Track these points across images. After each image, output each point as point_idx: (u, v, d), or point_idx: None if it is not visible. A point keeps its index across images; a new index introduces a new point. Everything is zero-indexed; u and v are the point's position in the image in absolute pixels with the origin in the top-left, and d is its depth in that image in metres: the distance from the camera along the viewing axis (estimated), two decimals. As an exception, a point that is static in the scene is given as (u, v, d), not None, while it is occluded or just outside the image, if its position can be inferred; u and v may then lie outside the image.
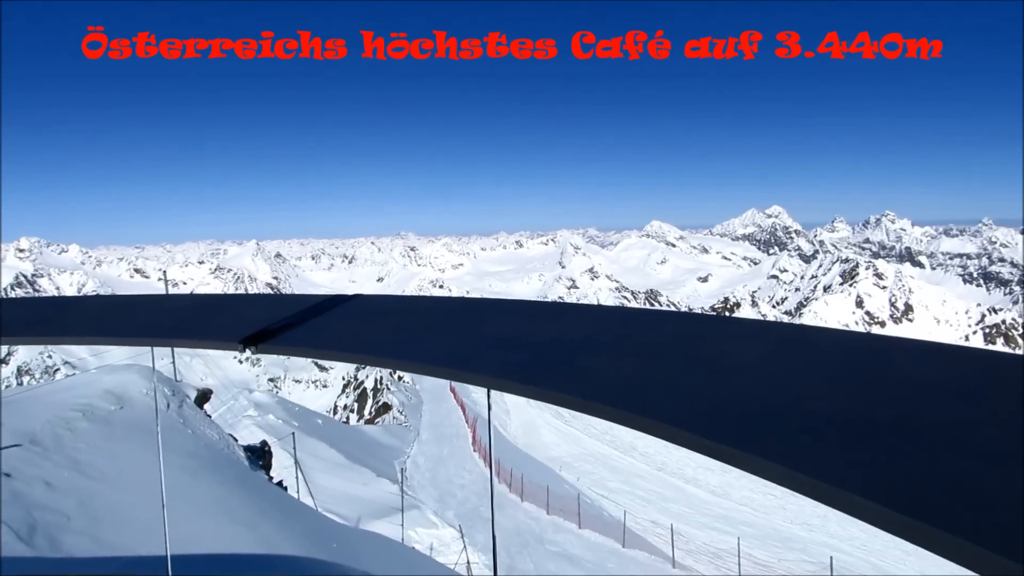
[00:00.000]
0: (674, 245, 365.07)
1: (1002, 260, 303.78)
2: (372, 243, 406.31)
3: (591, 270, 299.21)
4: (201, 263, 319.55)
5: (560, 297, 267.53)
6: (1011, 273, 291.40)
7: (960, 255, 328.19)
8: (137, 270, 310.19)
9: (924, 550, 0.93)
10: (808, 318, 61.41)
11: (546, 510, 25.01)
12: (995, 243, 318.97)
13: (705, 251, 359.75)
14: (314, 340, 2.06)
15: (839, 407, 1.28)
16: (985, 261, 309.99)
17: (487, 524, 23.03)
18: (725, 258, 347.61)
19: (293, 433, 25.59)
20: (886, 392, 1.36)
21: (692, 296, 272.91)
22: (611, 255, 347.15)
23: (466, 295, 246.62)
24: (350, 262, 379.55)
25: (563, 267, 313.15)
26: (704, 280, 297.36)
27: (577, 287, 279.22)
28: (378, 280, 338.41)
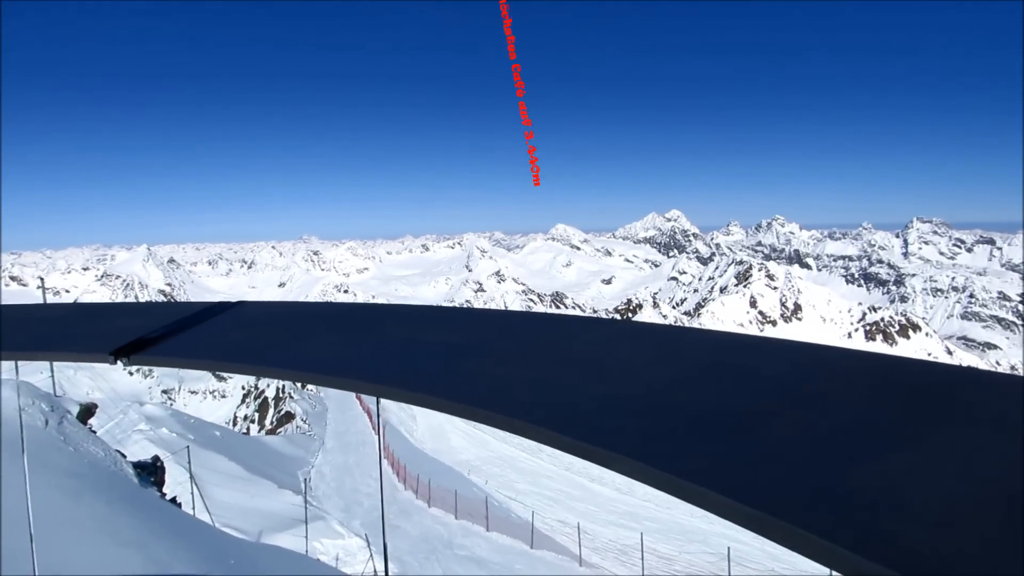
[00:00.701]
0: (579, 248, 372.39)
1: (880, 262, 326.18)
2: (273, 247, 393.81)
3: (498, 273, 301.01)
4: (86, 269, 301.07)
5: (467, 300, 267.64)
6: (888, 274, 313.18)
7: (843, 257, 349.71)
8: (13, 278, 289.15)
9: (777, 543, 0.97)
10: (706, 318, 63.93)
11: (454, 515, 24.91)
12: (874, 246, 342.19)
13: (608, 254, 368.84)
14: (193, 350, 1.98)
15: (701, 405, 1.32)
16: (865, 263, 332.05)
17: (394, 532, 22.78)
18: (628, 260, 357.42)
19: (188, 447, 24.46)
20: (746, 389, 1.40)
21: (597, 298, 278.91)
22: (517, 258, 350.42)
23: (372, 300, 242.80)
24: (250, 267, 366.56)
25: (470, 270, 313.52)
26: (608, 282, 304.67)
27: (484, 290, 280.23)
28: (280, 285, 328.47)
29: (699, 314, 66.50)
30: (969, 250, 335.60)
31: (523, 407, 1.39)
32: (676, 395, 1.39)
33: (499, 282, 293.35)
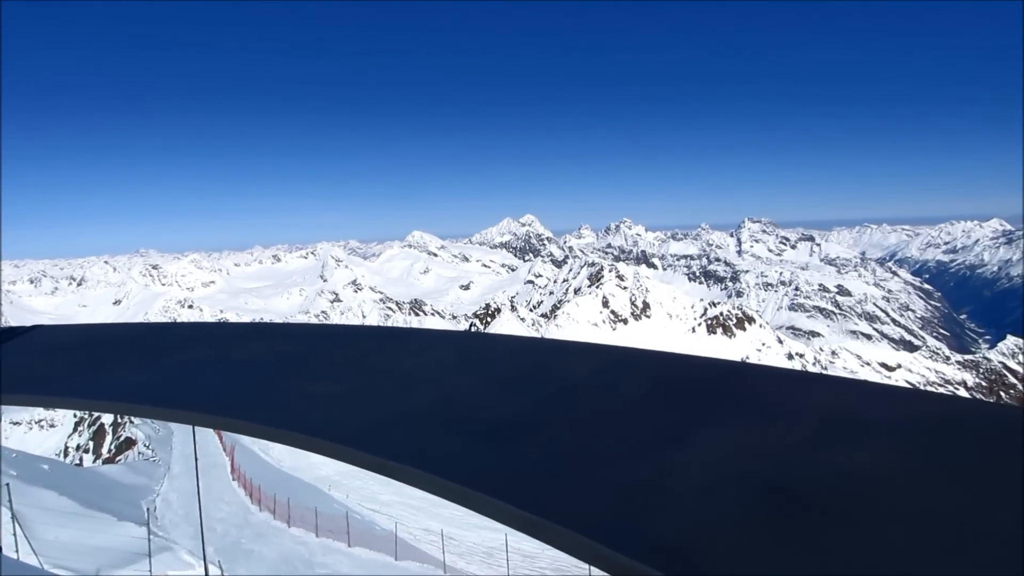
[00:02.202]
0: (436, 255, 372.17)
1: (718, 260, 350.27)
2: (106, 262, 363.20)
3: (354, 282, 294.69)
4: None
5: (323, 311, 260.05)
6: (725, 271, 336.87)
7: (685, 256, 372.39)
8: None
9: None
10: (563, 320, 65.97)
11: (315, 533, 24.07)
12: (712, 245, 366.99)
13: (466, 259, 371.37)
14: None
15: (493, 412, 1.32)
16: (705, 261, 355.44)
17: (249, 557, 21.74)
18: (485, 266, 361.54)
19: (8, 485, 22.02)
20: (535, 395, 1.42)
21: (455, 304, 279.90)
22: (374, 266, 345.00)
23: (220, 314, 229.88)
24: (79, 284, 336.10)
25: (325, 280, 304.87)
26: (466, 288, 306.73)
27: (341, 300, 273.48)
28: (115, 303, 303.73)
29: (555, 316, 68.43)
30: (793, 247, 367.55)
31: (322, 425, 1.34)
32: (472, 405, 1.38)
33: (356, 291, 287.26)
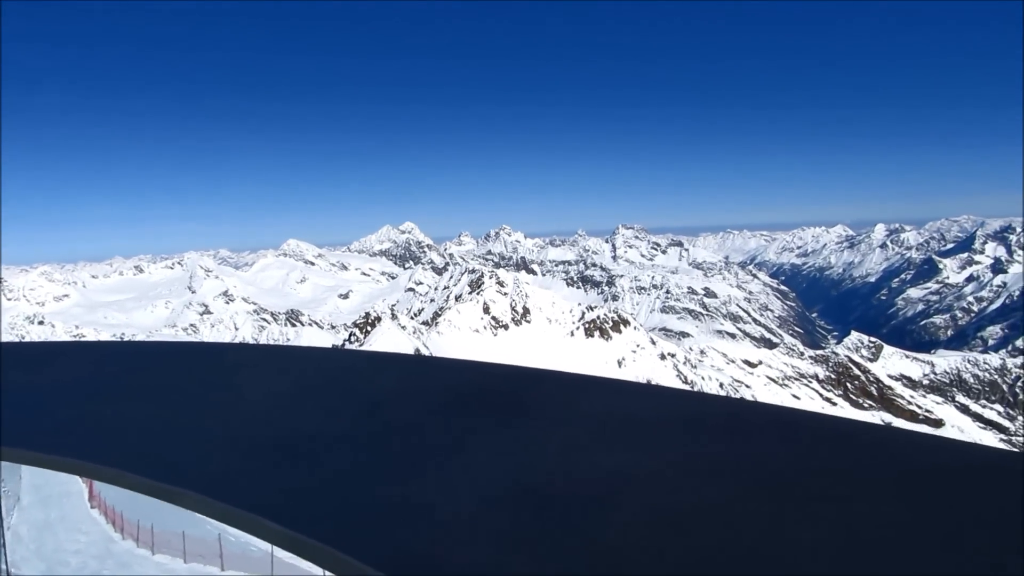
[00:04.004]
0: (313, 263, 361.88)
1: (594, 265, 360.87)
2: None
3: (225, 293, 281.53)
4: None
5: (192, 324, 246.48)
6: (601, 276, 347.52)
7: (563, 262, 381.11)
8: None
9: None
10: (444, 327, 65.90)
11: (183, 558, 22.72)
12: (588, 251, 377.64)
13: (344, 268, 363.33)
14: None
15: (278, 428, 1.32)
16: (582, 266, 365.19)
17: (112, 589, 20.19)
18: (364, 274, 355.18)
19: None
20: (330, 406, 1.45)
21: (334, 313, 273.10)
22: (247, 276, 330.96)
23: (75, 330, 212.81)
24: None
25: (193, 292, 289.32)
26: (345, 297, 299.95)
27: (211, 312, 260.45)
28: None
29: (437, 323, 68.21)
30: (664, 252, 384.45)
31: (90, 448, 1.31)
32: (258, 421, 1.37)
33: (227, 303, 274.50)
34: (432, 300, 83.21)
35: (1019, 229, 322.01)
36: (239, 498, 1.10)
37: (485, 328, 63.48)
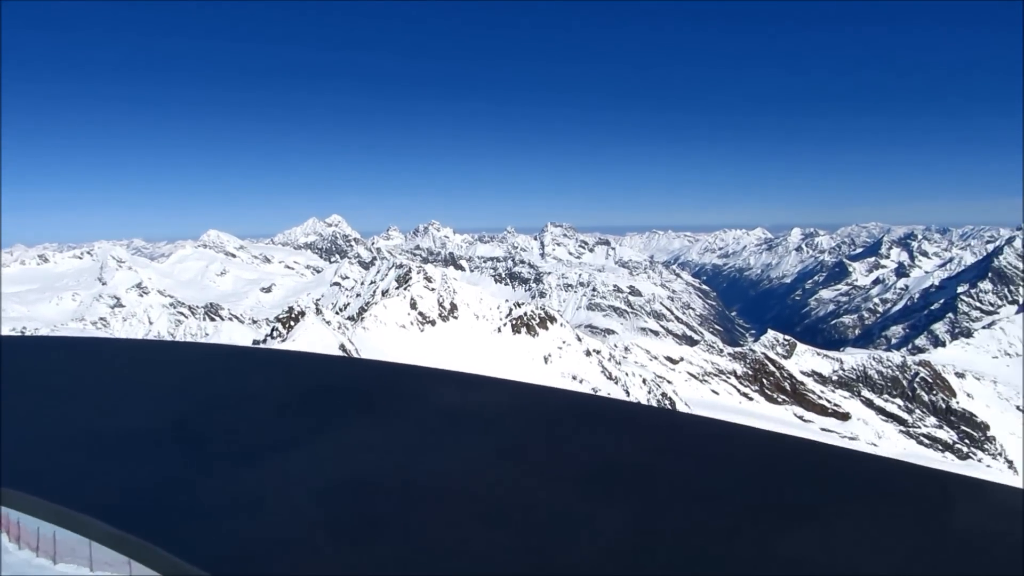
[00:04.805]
0: (234, 255, 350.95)
1: (522, 262, 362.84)
2: None
3: (139, 285, 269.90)
4: None
5: (102, 318, 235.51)
6: (529, 272, 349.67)
7: (492, 258, 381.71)
8: None
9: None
10: (370, 322, 64.95)
11: (89, 566, 21.81)
12: (517, 248, 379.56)
13: (268, 260, 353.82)
14: None
15: (103, 426, 1.31)
16: (510, 263, 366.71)
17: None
18: (288, 267, 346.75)
19: None
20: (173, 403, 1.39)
21: (256, 307, 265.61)
22: (163, 268, 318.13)
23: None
24: None
25: (104, 283, 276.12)
26: (268, 290, 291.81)
27: (123, 305, 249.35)
28: None
29: (363, 318, 67.14)
30: (591, 250, 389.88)
31: None
32: (89, 419, 1.33)
33: (141, 295, 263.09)
34: (358, 295, 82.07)
35: (920, 236, 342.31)
36: (70, 498, 1.08)
37: (412, 324, 63.04)
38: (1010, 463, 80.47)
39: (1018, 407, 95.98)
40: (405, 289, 65.50)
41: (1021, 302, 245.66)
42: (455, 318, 64.37)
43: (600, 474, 1.56)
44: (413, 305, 62.43)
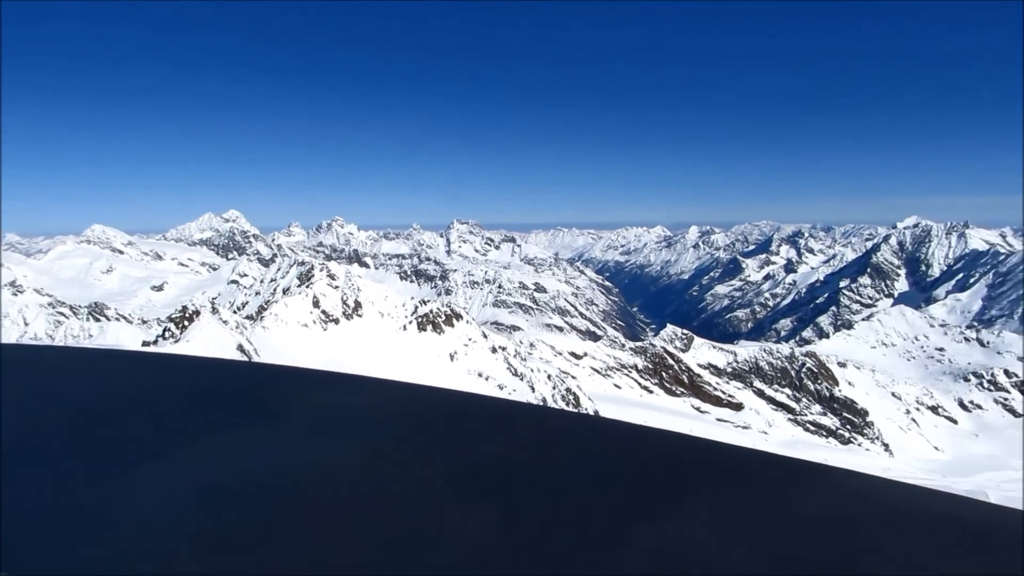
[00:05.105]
0: (122, 251, 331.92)
1: (428, 259, 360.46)
2: None
3: (13, 283, 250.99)
4: None
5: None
6: (435, 270, 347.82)
7: (397, 255, 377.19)
8: None
9: None
10: (270, 321, 62.72)
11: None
12: (423, 245, 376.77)
13: (159, 257, 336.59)
14: None
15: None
16: (416, 260, 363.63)
17: None
18: (182, 264, 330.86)
19: None
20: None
21: (146, 307, 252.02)
22: (41, 264, 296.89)
23: None
24: None
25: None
26: (159, 289, 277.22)
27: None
28: None
29: (262, 317, 64.82)
30: (497, 247, 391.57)
31: None
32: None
33: (16, 294, 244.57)
34: (258, 293, 79.33)
35: (807, 234, 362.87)
36: None
37: (315, 322, 61.46)
38: (886, 446, 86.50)
39: (893, 393, 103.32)
40: (307, 287, 63.82)
41: (896, 295, 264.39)
42: (359, 316, 63.24)
43: (470, 472, 1.61)
44: (316, 303, 60.92)
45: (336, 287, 65.86)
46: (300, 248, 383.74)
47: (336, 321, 61.54)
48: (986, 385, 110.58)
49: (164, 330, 52.77)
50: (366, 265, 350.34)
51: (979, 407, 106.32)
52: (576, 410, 56.37)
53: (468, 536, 1.25)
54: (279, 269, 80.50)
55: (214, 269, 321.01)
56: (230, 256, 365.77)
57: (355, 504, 1.32)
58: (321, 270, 67.90)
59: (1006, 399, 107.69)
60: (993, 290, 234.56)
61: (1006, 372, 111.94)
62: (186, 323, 51.55)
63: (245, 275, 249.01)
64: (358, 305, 64.15)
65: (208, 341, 46.55)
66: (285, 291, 68.95)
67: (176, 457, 1.30)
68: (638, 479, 1.87)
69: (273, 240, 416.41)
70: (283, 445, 1.48)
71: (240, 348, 48.06)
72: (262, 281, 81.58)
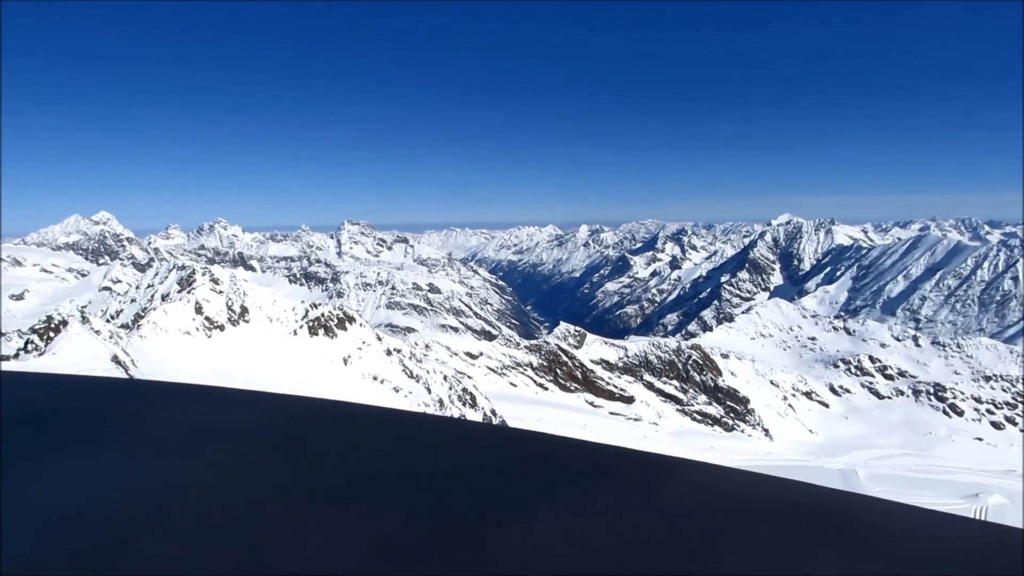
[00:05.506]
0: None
1: (319, 261, 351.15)
2: None
3: None
4: None
5: None
6: (326, 272, 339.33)
7: (285, 258, 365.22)
8: None
9: None
10: (148, 329, 58.92)
11: None
12: (312, 247, 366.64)
13: (19, 263, 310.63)
14: None
15: None
16: (305, 263, 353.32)
17: None
18: (45, 270, 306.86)
19: None
20: None
21: (7, 318, 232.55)
22: None
23: None
24: None
25: None
26: (19, 297, 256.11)
27: None
28: None
29: (139, 326, 60.86)
30: (390, 248, 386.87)
31: None
32: None
33: None
34: (133, 300, 74.56)
35: (690, 232, 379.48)
36: None
37: (198, 330, 58.48)
38: (767, 431, 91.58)
39: (772, 381, 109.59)
40: (189, 292, 60.69)
41: (772, 288, 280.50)
42: (246, 322, 60.76)
43: (334, 480, 1.61)
44: (199, 310, 58.04)
45: (220, 292, 62.99)
46: (180, 252, 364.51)
47: (221, 328, 58.85)
48: (853, 370, 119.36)
49: (26, 342, 48.73)
50: (252, 268, 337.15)
51: (848, 391, 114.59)
52: (472, 409, 56.44)
53: (326, 548, 1.23)
54: (157, 274, 76.14)
55: (83, 275, 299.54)
56: (101, 261, 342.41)
57: (206, 525, 1.27)
58: (204, 274, 64.76)
59: (871, 383, 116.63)
60: (857, 282, 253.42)
61: (870, 358, 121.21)
62: (52, 334, 47.79)
63: (119, 281, 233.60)
64: (245, 310, 61.63)
65: (78, 353, 43.30)
66: (164, 297, 65.28)
67: (17, 486, 1.25)
68: (497, 480, 1.89)
69: (150, 243, 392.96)
70: (137, 467, 1.44)
71: (115, 359, 45.01)
72: (138, 287, 76.95)
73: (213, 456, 1.60)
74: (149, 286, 75.17)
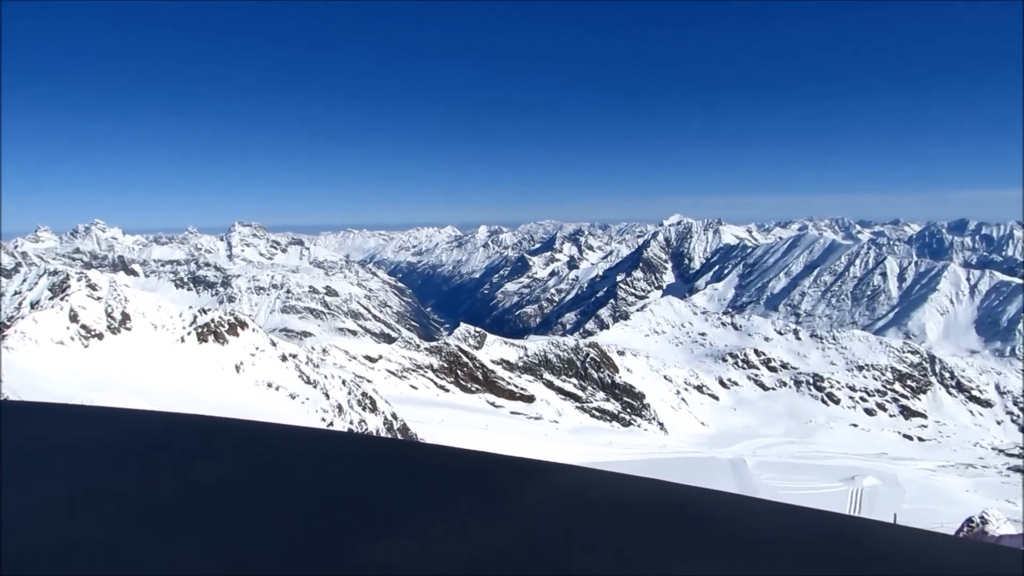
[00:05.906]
0: None
1: (208, 264, 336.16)
2: None
3: None
4: None
5: None
6: (216, 276, 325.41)
7: (171, 262, 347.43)
8: None
9: None
10: (15, 340, 54.51)
11: None
12: (200, 249, 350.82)
13: None
14: None
15: None
16: (193, 266, 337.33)
17: None
18: None
19: None
20: None
21: None
22: None
23: None
24: None
25: None
26: None
27: None
28: None
29: (5, 335, 56.26)
30: (284, 251, 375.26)
31: None
32: None
33: None
34: (-1, 308, 69.00)
35: (587, 232, 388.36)
36: None
37: (73, 339, 54.66)
38: (662, 425, 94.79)
39: (665, 376, 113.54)
40: (62, 299, 56.65)
41: (665, 287, 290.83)
42: (128, 330, 57.30)
43: (185, 501, 1.54)
44: (74, 318, 54.31)
45: (98, 298, 59.14)
46: (51, 255, 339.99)
47: (100, 336, 55.26)
48: (740, 364, 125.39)
49: None
50: (135, 273, 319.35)
51: (736, 384, 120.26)
52: (372, 413, 55.51)
53: (185, 566, 1.19)
54: (25, 280, 70.71)
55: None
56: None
57: (52, 556, 1.22)
58: (79, 279, 60.68)
59: (757, 375, 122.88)
60: (743, 279, 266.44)
61: (756, 351, 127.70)
62: None
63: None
64: (126, 317, 58.11)
65: (-67, 367, 39.52)
66: (34, 305, 60.71)
67: None
68: (359, 491, 1.85)
69: (16, 247, 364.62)
70: None
71: (-23, 373, 41.39)
72: (3, 294, 71.24)
73: (54, 481, 1.52)
74: (16, 293, 69.50)
